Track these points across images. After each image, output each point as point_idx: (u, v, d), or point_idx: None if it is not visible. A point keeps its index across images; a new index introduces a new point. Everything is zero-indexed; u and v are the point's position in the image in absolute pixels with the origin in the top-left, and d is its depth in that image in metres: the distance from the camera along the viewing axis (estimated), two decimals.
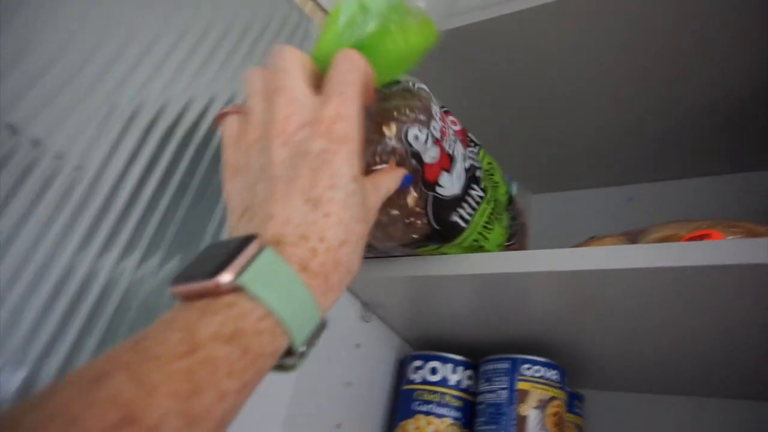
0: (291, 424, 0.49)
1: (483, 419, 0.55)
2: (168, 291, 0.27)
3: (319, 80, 0.33)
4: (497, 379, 0.55)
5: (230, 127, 0.33)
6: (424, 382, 0.59)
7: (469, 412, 0.57)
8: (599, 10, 0.56)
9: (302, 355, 0.27)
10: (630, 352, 0.57)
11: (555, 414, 0.53)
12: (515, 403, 0.53)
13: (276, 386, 0.49)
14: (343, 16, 0.40)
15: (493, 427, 0.53)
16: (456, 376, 0.58)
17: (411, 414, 0.57)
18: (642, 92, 0.65)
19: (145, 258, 0.45)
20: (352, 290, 0.57)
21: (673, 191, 0.76)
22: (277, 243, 0.27)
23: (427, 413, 0.57)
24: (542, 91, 0.68)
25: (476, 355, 0.59)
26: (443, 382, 0.58)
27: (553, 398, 0.53)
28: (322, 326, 0.28)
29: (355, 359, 0.58)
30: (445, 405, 0.57)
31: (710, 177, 0.73)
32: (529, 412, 0.52)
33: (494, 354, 0.57)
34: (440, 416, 0.56)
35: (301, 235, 0.28)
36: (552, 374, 0.54)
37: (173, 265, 0.47)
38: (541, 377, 0.54)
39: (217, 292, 0.25)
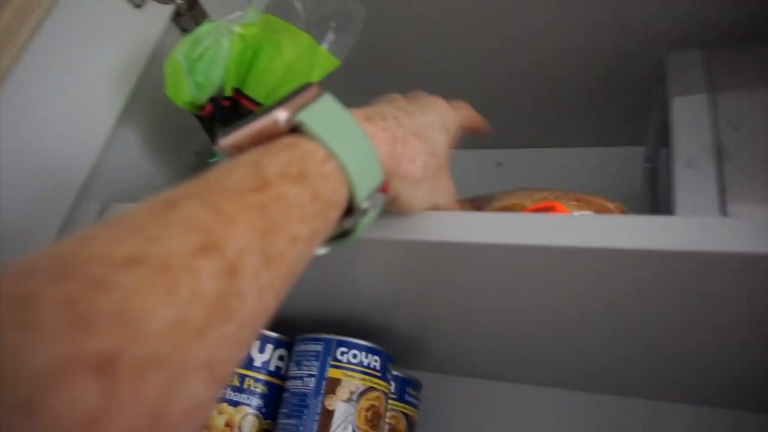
0: None
1: (285, 411, 0.45)
2: (216, 148, 0.25)
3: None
4: (307, 363, 0.46)
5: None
6: None
7: (277, 399, 0.48)
8: None
9: (363, 214, 0.26)
10: (470, 334, 0.50)
11: (370, 408, 0.45)
12: (322, 394, 0.44)
13: None
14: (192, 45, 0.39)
15: (294, 421, 0.44)
16: (264, 355, 0.48)
17: None
18: (513, 56, 0.58)
19: None
20: None
21: (543, 159, 0.70)
22: (351, 109, 0.27)
23: (220, 400, 0.46)
24: (411, 48, 0.59)
25: (293, 332, 0.49)
26: (247, 363, 0.48)
27: (369, 389, 0.45)
28: (383, 189, 0.27)
29: None
30: (245, 391, 0.46)
31: (579, 148, 0.68)
32: (337, 405, 0.43)
33: (313, 333, 0.48)
34: (236, 404, 0.46)
35: (381, 113, 0.28)
36: (372, 361, 0.45)
37: None
38: (357, 364, 0.45)
39: (275, 132, 0.24)
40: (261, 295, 0.20)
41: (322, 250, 0.26)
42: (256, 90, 0.41)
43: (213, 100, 0.40)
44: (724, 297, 0.33)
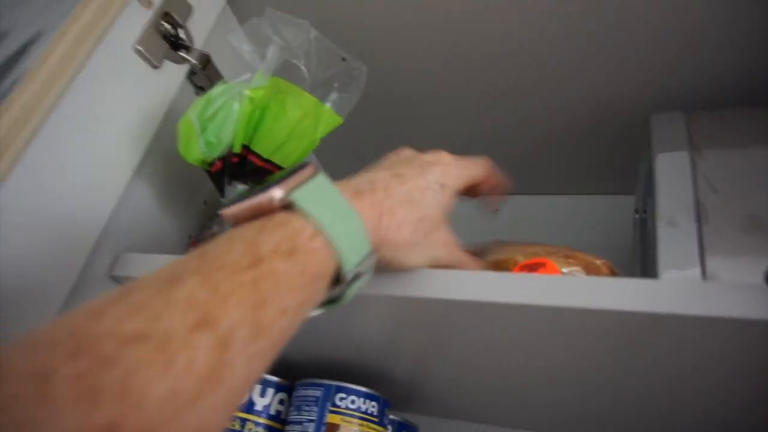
0: None
1: None
2: (222, 214, 0.28)
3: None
4: (307, 408, 0.47)
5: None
6: None
7: None
8: (475, 17, 0.50)
9: (351, 283, 0.28)
10: (465, 381, 0.51)
11: None
12: None
13: None
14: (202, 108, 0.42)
15: None
16: (264, 399, 0.49)
17: None
18: (513, 108, 0.61)
19: None
20: None
21: (538, 205, 0.72)
22: (341, 183, 0.29)
23: None
24: (408, 92, 0.62)
25: (294, 377, 0.51)
26: (248, 407, 0.49)
27: None
28: (372, 258, 0.29)
29: None
30: None
31: (574, 195, 0.70)
32: None
33: (313, 378, 0.49)
34: None
35: (370, 181, 0.30)
36: (370, 406, 0.47)
37: None
38: (356, 410, 0.46)
39: (271, 208, 0.26)
40: (249, 364, 0.22)
41: (314, 312, 0.28)
42: (263, 147, 0.43)
43: (222, 157, 0.43)
44: (708, 357, 0.35)
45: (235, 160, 0.44)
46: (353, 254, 0.27)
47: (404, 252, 0.32)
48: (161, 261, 0.42)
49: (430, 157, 0.34)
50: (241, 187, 0.45)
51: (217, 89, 0.42)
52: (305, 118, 0.43)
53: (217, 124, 0.41)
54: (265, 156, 0.44)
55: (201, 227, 0.53)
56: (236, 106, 0.41)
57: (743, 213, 0.39)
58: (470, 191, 0.39)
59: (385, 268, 0.32)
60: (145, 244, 0.46)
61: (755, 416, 0.40)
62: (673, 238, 0.39)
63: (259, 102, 0.42)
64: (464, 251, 0.40)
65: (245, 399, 0.22)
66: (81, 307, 0.20)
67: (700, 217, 0.39)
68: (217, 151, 0.42)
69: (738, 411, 0.41)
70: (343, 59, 0.45)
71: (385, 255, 0.31)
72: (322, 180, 0.27)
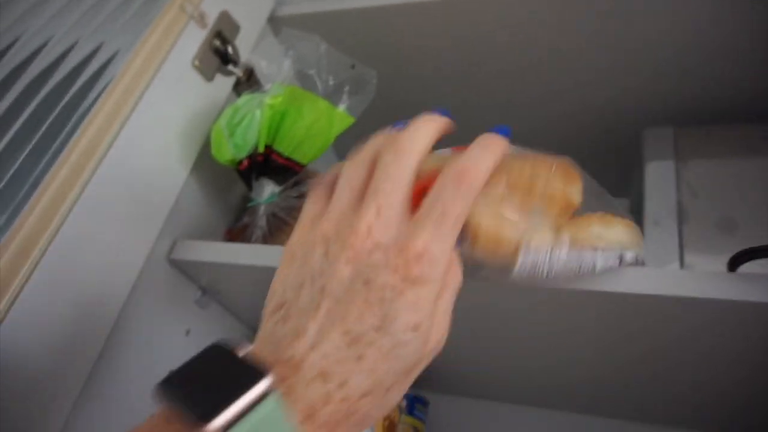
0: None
1: None
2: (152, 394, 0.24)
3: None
4: None
5: (313, 205, 0.29)
6: None
7: None
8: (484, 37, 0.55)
9: None
10: (477, 359, 0.57)
11: (387, 418, 0.52)
12: None
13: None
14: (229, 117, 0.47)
15: None
16: None
17: None
18: (519, 113, 0.65)
19: None
20: (189, 274, 0.52)
21: None
22: (290, 379, 0.24)
23: None
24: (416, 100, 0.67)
25: None
26: None
27: None
28: None
29: (184, 347, 0.54)
30: None
31: None
32: None
33: None
34: None
35: (322, 371, 0.24)
36: None
37: None
38: None
39: None
40: None
41: None
42: (284, 146, 0.49)
43: (249, 156, 0.49)
44: (688, 332, 0.40)
45: (260, 158, 0.49)
46: None
47: None
48: (209, 247, 0.48)
49: (391, 277, 0.25)
50: (266, 181, 0.51)
51: (243, 99, 0.48)
52: (319, 120, 0.48)
53: (243, 129, 0.47)
54: (286, 154, 0.50)
55: (236, 219, 0.59)
56: (258, 113, 0.46)
57: (719, 215, 0.45)
58: None
59: None
60: (196, 231, 0.52)
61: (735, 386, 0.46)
62: (658, 235, 0.45)
63: (278, 108, 0.47)
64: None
65: None
66: None
67: (681, 218, 0.45)
68: (244, 152, 0.48)
69: (720, 382, 0.47)
70: (353, 67, 0.49)
71: None
72: (272, 410, 0.22)
